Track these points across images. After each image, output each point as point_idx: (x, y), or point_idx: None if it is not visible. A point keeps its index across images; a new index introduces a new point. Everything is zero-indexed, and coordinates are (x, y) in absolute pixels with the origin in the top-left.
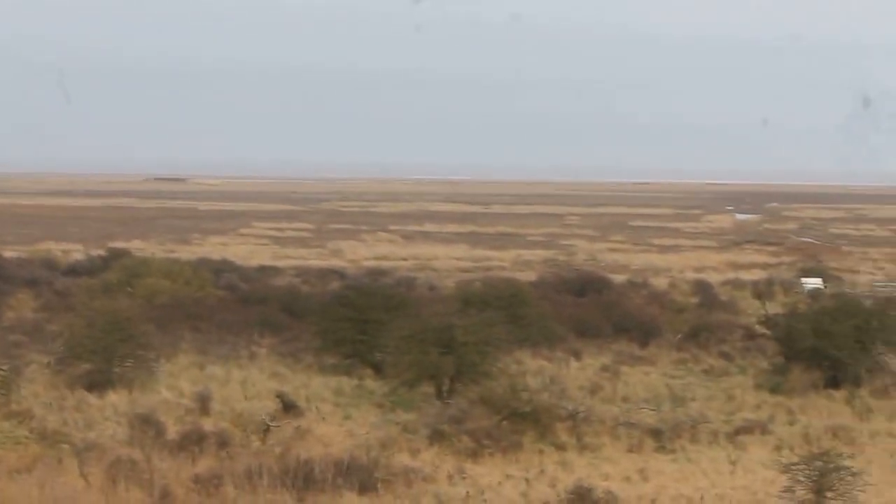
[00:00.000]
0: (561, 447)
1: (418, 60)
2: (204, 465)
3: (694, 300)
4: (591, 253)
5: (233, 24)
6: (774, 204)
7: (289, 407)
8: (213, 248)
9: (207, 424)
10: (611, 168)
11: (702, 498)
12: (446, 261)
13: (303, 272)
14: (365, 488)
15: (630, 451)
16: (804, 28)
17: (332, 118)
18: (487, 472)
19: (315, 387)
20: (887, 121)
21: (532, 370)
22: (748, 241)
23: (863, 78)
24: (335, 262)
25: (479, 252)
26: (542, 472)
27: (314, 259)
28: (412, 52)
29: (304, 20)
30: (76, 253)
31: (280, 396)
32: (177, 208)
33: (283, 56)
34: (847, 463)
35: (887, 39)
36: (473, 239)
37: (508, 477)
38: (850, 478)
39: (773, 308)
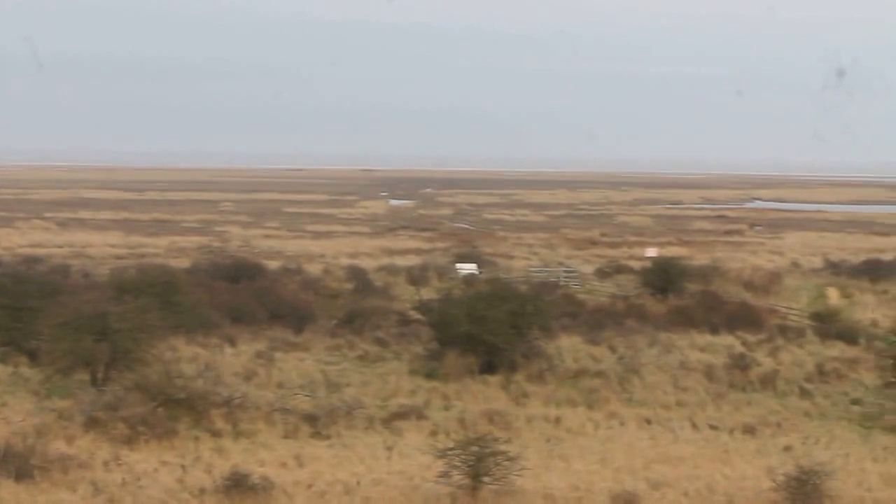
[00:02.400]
0: (216, 433)
1: (60, 44)
2: None
3: (348, 286)
4: (246, 239)
5: None
6: (429, 189)
7: None
8: None
9: None
10: (276, 154)
11: (358, 483)
12: (101, 248)
13: None
14: (21, 476)
15: (286, 437)
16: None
17: None
18: (143, 458)
19: None
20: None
21: (187, 357)
22: (402, 227)
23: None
24: None
25: (134, 239)
26: (197, 458)
27: None
28: (50, 35)
29: None
30: None
31: None
32: None
33: None
34: (503, 448)
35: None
36: (128, 226)
37: (164, 463)
38: (506, 462)
39: (428, 294)
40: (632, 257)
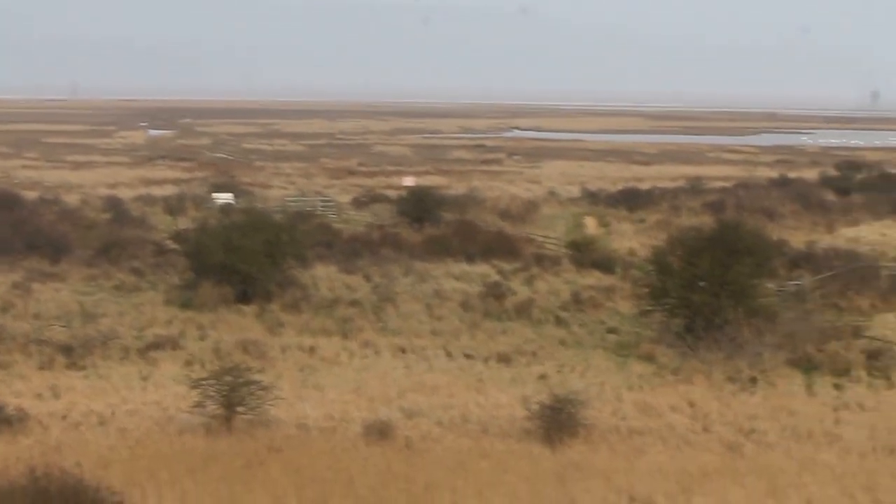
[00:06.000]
0: None
1: None
2: None
3: (106, 216)
4: (5, 170)
5: None
6: (188, 120)
7: None
8: None
9: None
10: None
11: (113, 414)
12: None
13: None
14: None
15: (42, 368)
16: None
17: None
18: None
19: None
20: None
21: None
22: (161, 157)
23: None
24: None
25: None
26: None
27: None
28: None
29: None
30: None
31: None
32: None
33: None
34: (257, 377)
35: None
36: None
37: None
38: (260, 392)
39: (185, 224)
40: (389, 187)
